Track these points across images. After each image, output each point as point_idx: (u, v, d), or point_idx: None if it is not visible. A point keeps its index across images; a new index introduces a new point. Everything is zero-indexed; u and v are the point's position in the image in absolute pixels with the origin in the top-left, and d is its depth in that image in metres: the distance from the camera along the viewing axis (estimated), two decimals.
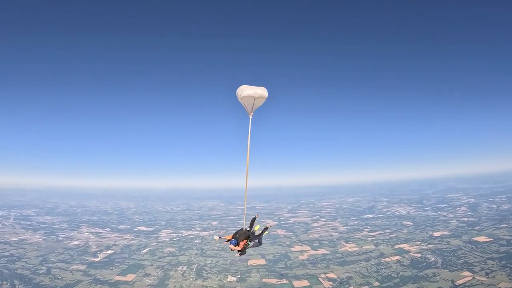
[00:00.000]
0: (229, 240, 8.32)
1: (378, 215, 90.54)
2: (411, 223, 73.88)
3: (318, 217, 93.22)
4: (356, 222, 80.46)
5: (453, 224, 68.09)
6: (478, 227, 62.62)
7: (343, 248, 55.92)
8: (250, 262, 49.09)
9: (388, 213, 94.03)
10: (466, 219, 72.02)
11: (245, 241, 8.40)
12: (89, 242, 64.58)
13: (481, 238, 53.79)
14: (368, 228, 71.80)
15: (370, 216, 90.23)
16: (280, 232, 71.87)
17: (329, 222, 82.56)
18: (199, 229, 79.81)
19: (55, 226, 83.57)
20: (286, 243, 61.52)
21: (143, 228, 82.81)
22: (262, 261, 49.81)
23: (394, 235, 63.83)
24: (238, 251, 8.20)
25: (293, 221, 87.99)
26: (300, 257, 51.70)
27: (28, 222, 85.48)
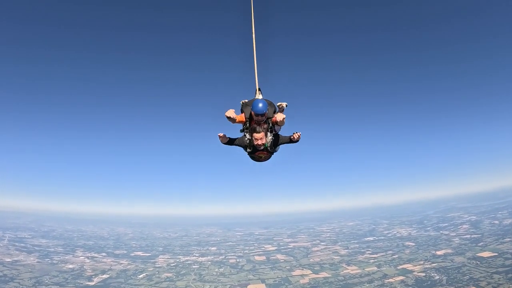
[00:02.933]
0: (240, 121, 6.59)
1: (379, 237, 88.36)
2: (413, 244, 72.03)
3: (318, 241, 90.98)
4: (357, 245, 78.38)
5: (456, 242, 66.44)
6: (482, 243, 61.10)
7: (345, 271, 54.27)
8: (249, 287, 47.63)
9: (389, 235, 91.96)
10: (468, 236, 70.44)
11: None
12: (84, 266, 62.61)
13: (485, 254, 52.40)
14: (369, 251, 69.94)
15: (371, 238, 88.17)
16: (279, 257, 69.88)
17: (330, 246, 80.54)
18: (197, 254, 77.68)
19: (50, 249, 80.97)
20: (287, 267, 59.76)
21: (140, 253, 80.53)
22: (262, 286, 48.30)
23: (396, 256, 62.16)
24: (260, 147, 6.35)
25: (293, 245, 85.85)
26: (301, 281, 50.04)
27: (23, 244, 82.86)
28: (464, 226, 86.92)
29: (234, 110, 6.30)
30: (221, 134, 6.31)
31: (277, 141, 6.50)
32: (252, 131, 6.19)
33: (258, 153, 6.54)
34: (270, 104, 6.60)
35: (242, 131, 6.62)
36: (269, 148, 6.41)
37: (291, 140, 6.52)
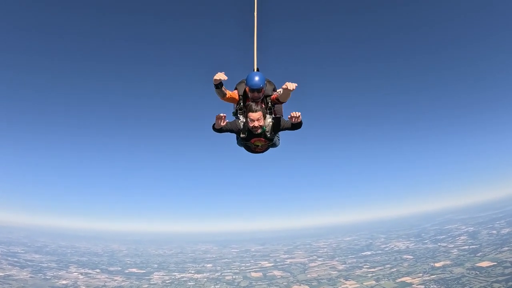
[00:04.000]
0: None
1: (377, 252, 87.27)
2: (411, 257, 71.22)
3: (315, 257, 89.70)
4: (355, 260, 77.38)
5: (454, 253, 65.81)
6: (480, 253, 60.46)
7: (343, 286, 53.46)
8: None
9: (387, 249, 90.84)
10: (466, 247, 69.76)
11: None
12: (77, 282, 61.23)
13: (484, 263, 51.74)
14: (367, 265, 68.98)
15: (369, 253, 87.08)
16: (276, 273, 68.59)
17: (327, 261, 79.40)
18: (192, 271, 76.17)
19: (43, 264, 78.97)
20: (284, 283, 58.56)
21: (134, 270, 78.86)
22: None
23: (394, 269, 61.31)
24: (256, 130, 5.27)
25: (290, 262, 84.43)
26: None
27: (15, 259, 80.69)
28: (462, 237, 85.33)
29: (224, 73, 5.06)
30: (222, 115, 5.11)
31: (278, 125, 5.37)
32: (248, 110, 5.16)
33: (254, 140, 5.45)
34: (269, 81, 5.74)
35: (235, 114, 5.72)
36: (268, 133, 5.36)
37: (293, 125, 5.34)
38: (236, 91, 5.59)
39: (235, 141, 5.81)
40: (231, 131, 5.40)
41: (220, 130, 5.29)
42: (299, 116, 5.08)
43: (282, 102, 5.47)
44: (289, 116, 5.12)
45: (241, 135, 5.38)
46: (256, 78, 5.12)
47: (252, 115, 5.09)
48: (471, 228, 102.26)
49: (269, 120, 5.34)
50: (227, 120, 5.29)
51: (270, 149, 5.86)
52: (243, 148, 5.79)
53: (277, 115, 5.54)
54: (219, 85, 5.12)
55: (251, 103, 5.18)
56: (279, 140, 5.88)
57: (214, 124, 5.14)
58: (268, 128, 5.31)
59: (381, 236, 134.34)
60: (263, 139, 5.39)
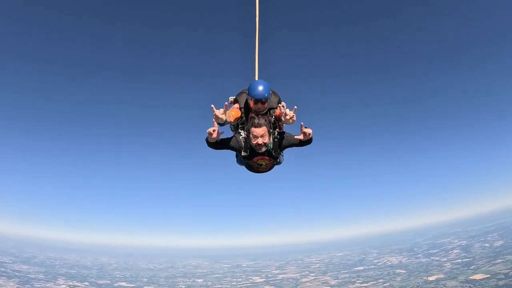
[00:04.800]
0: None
1: (370, 267, 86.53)
2: (404, 271, 70.70)
3: (307, 272, 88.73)
4: (347, 275, 76.57)
5: (447, 267, 65.40)
6: (473, 266, 60.04)
7: None
8: None
9: (380, 263, 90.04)
10: (460, 260, 69.37)
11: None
12: None
13: (478, 276, 51.36)
14: (360, 280, 68.25)
15: (361, 268, 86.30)
16: None
17: (319, 277, 78.44)
18: (183, 286, 74.96)
19: (31, 275, 76.74)
20: None
21: (123, 284, 77.15)
22: None
23: (388, 284, 61.02)
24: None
25: (282, 277, 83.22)
26: None
27: (3, 269, 78.35)
28: (455, 251, 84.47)
29: (223, 110, 4.39)
30: (214, 129, 4.19)
31: (284, 142, 4.55)
32: (250, 125, 4.31)
33: (257, 159, 4.64)
34: (273, 92, 5.00)
35: (235, 128, 5.04)
36: (273, 151, 4.57)
37: (301, 142, 4.49)
38: (237, 105, 4.90)
39: (232, 156, 5.06)
40: (231, 148, 4.59)
41: (215, 145, 4.44)
42: (310, 133, 4.31)
43: (286, 123, 4.73)
44: (304, 129, 4.32)
45: (243, 154, 4.56)
46: (260, 88, 4.46)
47: (256, 130, 4.24)
48: (464, 242, 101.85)
49: (273, 136, 4.55)
50: (225, 135, 4.56)
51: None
52: (244, 167, 5.04)
53: (282, 130, 4.88)
54: (222, 124, 4.60)
55: (254, 116, 4.39)
56: (283, 156, 5.14)
57: (207, 137, 4.30)
58: (272, 145, 4.52)
59: (373, 251, 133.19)
60: (267, 158, 4.61)
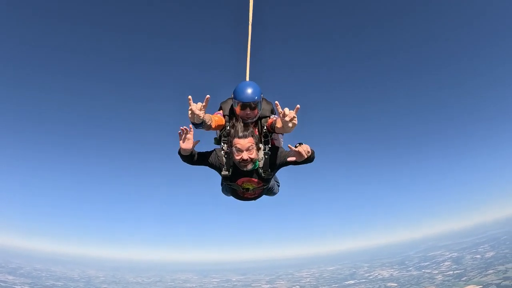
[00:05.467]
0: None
1: (361, 280, 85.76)
2: (396, 284, 70.27)
3: (298, 286, 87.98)
4: None
5: (439, 279, 64.91)
6: (465, 277, 59.48)
7: None
8: None
9: (371, 277, 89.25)
10: (451, 272, 68.78)
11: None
12: None
13: (470, 287, 50.61)
14: None
15: (352, 282, 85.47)
16: None
17: None
18: None
19: (16, 286, 74.79)
20: None
21: None
22: None
23: None
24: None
25: None
26: None
27: None
28: (446, 263, 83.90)
29: (203, 105, 3.21)
30: (187, 129, 3.22)
31: (275, 159, 3.56)
32: (234, 135, 3.29)
33: (243, 181, 3.60)
34: (265, 99, 3.95)
35: (217, 142, 3.98)
36: (262, 171, 3.52)
37: (297, 160, 3.37)
38: (220, 113, 3.81)
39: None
40: (210, 165, 3.59)
41: (190, 160, 3.46)
42: (309, 151, 3.22)
43: (282, 132, 3.63)
44: (294, 149, 3.17)
45: (223, 172, 3.53)
46: (249, 90, 3.48)
47: (240, 142, 3.20)
48: (455, 254, 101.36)
49: (263, 151, 3.54)
50: (204, 147, 3.69)
51: (265, 196, 4.21)
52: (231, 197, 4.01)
53: (275, 145, 3.86)
54: (199, 126, 3.36)
55: (238, 125, 3.32)
56: (278, 184, 4.28)
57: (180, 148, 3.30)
58: (262, 164, 3.50)
59: (364, 265, 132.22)
60: (256, 180, 3.57)
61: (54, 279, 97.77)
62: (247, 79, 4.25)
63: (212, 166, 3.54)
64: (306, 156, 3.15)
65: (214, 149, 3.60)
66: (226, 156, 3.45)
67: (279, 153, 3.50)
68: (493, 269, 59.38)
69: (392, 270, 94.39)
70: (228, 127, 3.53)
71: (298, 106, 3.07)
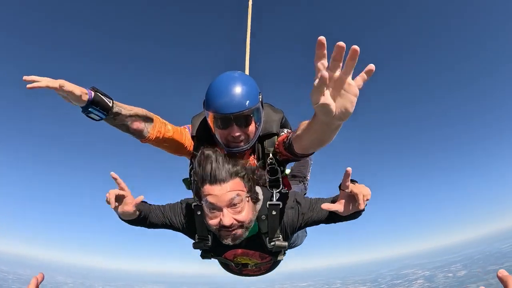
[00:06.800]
0: None
1: None
2: None
3: None
4: None
5: None
6: None
7: None
8: None
9: None
10: None
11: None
12: None
13: None
14: None
15: None
16: None
17: None
18: None
19: None
20: None
21: None
22: None
23: None
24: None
25: None
26: None
27: None
28: (419, 281, 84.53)
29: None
30: (116, 193, 1.80)
31: (294, 216, 1.90)
32: (201, 176, 1.67)
33: (234, 254, 2.01)
34: (270, 105, 2.32)
35: (189, 183, 2.35)
36: (268, 241, 1.89)
37: (335, 216, 1.83)
38: (184, 129, 2.28)
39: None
40: (176, 229, 2.13)
41: (139, 223, 2.07)
42: (366, 197, 1.70)
43: (300, 155, 1.90)
44: (334, 206, 1.70)
45: (196, 243, 2.04)
46: (233, 90, 1.91)
47: (214, 191, 1.62)
48: (427, 272, 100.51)
49: (268, 203, 1.90)
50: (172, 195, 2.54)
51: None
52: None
53: (290, 186, 2.37)
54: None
55: (212, 154, 1.69)
56: (304, 234, 2.77)
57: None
58: (266, 226, 1.90)
59: (337, 281, 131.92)
60: (257, 253, 2.03)
61: (20, 283, 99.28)
62: (247, 65, 3.15)
63: (179, 230, 2.09)
64: (362, 207, 1.69)
65: (180, 201, 2.10)
66: (197, 216, 1.95)
67: (301, 205, 1.92)
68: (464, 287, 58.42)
69: (365, 287, 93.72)
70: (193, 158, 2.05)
71: (372, 67, 1.55)
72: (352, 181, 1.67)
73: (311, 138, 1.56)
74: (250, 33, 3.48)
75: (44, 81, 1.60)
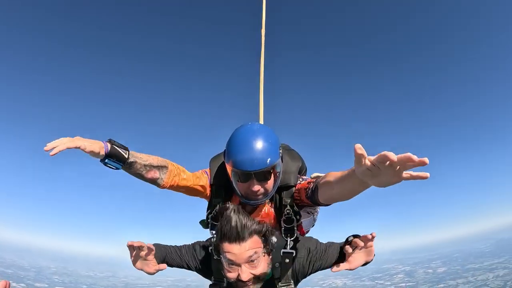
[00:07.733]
0: None
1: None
2: None
3: None
4: None
5: None
6: None
7: None
8: None
9: (324, 285, 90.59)
10: (403, 284, 71.32)
11: None
12: None
13: None
14: None
15: None
16: None
17: None
18: None
19: None
20: None
21: None
22: None
23: None
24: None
25: None
26: None
27: None
28: (399, 275, 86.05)
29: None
30: (137, 244, 1.99)
31: (305, 261, 2.06)
32: (220, 232, 1.76)
33: None
34: (288, 149, 2.50)
35: (206, 224, 2.27)
36: (279, 286, 2.04)
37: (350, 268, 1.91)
38: (202, 174, 2.34)
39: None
40: (190, 269, 2.33)
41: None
42: (374, 253, 1.95)
43: (328, 204, 2.00)
44: (349, 251, 1.87)
45: (213, 282, 2.18)
46: (255, 146, 1.92)
47: (233, 250, 1.71)
48: (408, 268, 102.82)
49: (282, 251, 2.03)
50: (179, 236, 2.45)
51: None
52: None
53: (303, 235, 2.39)
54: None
55: (232, 213, 1.75)
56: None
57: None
58: (279, 272, 2.04)
59: (318, 274, 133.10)
60: None
61: (4, 267, 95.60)
62: (261, 116, 3.12)
63: (195, 271, 2.29)
64: (369, 260, 1.90)
65: (196, 244, 2.28)
66: (215, 266, 2.09)
67: (313, 254, 2.04)
68: (444, 284, 60.66)
69: (346, 279, 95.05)
70: (214, 210, 2.13)
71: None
72: (356, 236, 1.86)
73: (343, 192, 1.63)
74: (264, 65, 3.51)
75: (63, 144, 1.75)
